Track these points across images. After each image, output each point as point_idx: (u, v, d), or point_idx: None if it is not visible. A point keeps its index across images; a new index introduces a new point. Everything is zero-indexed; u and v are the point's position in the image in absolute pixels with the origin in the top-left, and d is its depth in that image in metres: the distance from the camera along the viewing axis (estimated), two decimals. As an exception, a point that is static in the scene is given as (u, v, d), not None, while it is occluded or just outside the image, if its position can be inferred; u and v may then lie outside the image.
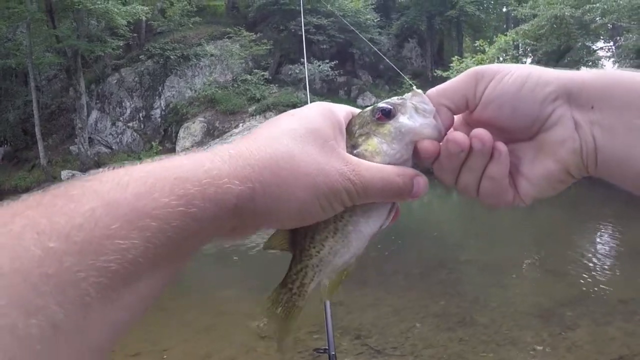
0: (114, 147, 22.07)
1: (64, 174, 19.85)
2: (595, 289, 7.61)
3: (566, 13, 21.55)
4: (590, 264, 8.81)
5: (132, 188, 0.44)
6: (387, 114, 0.66)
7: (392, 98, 0.68)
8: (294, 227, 0.64)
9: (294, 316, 0.72)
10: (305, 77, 18.43)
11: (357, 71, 27.28)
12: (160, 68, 22.74)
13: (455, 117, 0.69)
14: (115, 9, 20.78)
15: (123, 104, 22.68)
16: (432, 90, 0.68)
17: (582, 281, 7.90)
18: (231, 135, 19.46)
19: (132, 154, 21.12)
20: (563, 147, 0.63)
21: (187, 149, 19.88)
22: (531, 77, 0.63)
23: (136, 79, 22.84)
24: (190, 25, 23.40)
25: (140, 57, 22.97)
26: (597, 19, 21.87)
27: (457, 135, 0.64)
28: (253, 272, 9.34)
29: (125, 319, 0.43)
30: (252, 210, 0.54)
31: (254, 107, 21.30)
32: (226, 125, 20.79)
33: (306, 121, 0.62)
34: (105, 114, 22.75)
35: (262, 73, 22.95)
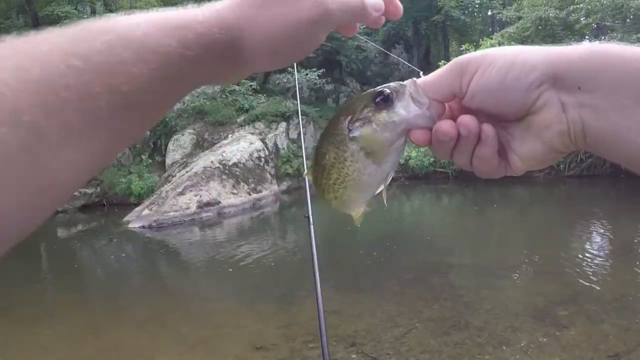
0: (103, 162, 22.05)
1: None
2: (588, 287, 7.65)
3: (550, 14, 21.72)
4: (583, 263, 8.85)
5: (143, 28, 0.51)
6: (386, 100, 0.68)
7: (393, 83, 0.70)
8: (285, 61, 0.65)
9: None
10: (294, 85, 18.47)
11: (344, 79, 27.36)
12: (148, 81, 22.75)
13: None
14: (102, 23, 20.76)
15: (111, 118, 22.69)
16: (420, 84, 0.69)
17: (575, 280, 7.94)
18: (220, 147, 19.42)
19: (122, 168, 21.02)
20: (549, 130, 0.64)
21: (177, 161, 19.90)
22: (515, 66, 0.64)
23: (124, 92, 22.84)
24: (177, 38, 23.49)
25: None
26: (582, 19, 22.07)
27: (443, 126, 0.67)
28: (247, 283, 9.33)
29: (98, 159, 0.50)
30: (242, 49, 0.59)
31: (242, 118, 21.29)
32: (215, 137, 20.77)
33: None
34: (93, 129, 22.76)
35: (250, 83, 22.96)
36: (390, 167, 0.72)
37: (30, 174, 0.42)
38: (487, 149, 0.68)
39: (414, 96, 0.68)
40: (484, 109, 0.67)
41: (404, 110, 0.68)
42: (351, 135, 0.69)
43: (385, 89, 0.69)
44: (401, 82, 0.70)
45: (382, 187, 0.74)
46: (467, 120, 0.67)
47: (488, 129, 0.67)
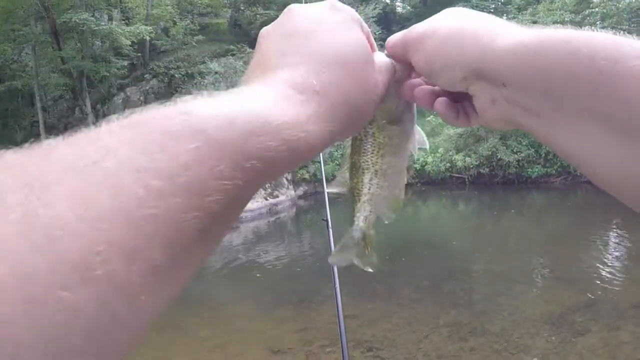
0: (121, 167, 22.17)
1: (73, 194, 19.95)
2: (605, 294, 7.62)
3: (566, 19, 21.59)
4: (599, 270, 8.81)
5: (239, 127, 0.41)
6: None
7: None
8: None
9: (371, 242, 0.83)
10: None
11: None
12: (165, 87, 22.81)
13: None
14: (119, 30, 20.94)
15: (129, 123, 22.76)
16: (387, 44, 0.71)
17: (592, 287, 7.91)
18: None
19: (140, 173, 21.19)
20: (486, 114, 0.63)
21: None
22: (438, 58, 0.63)
23: (141, 98, 22.91)
24: (194, 44, 23.53)
25: (145, 76, 23.07)
26: (597, 23, 21.92)
27: (404, 89, 0.71)
28: (264, 288, 9.38)
29: (175, 293, 0.39)
30: (337, 140, 0.59)
31: (259, 123, 21.41)
32: (232, 142, 20.92)
33: (357, 35, 0.61)
34: (111, 134, 22.86)
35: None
36: (410, 124, 0.78)
37: (101, 336, 0.31)
38: (443, 115, 0.69)
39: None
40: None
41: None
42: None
43: None
44: None
45: (415, 148, 0.80)
46: (418, 94, 0.69)
47: (438, 105, 0.68)
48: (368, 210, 0.82)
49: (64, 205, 0.30)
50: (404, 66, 0.71)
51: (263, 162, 0.41)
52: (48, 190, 0.30)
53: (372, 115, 0.68)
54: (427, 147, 0.81)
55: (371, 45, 0.66)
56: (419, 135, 0.80)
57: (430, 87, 0.70)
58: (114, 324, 0.31)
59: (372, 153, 0.77)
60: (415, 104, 0.76)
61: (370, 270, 0.82)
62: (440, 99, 0.68)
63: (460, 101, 0.69)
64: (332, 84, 0.54)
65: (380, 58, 0.68)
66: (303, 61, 0.54)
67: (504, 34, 0.58)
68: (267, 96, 0.48)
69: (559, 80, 0.52)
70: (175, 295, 0.39)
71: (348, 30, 0.60)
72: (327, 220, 3.11)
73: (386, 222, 0.83)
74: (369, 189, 0.80)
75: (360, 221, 0.82)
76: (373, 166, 0.78)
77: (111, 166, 0.33)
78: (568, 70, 0.51)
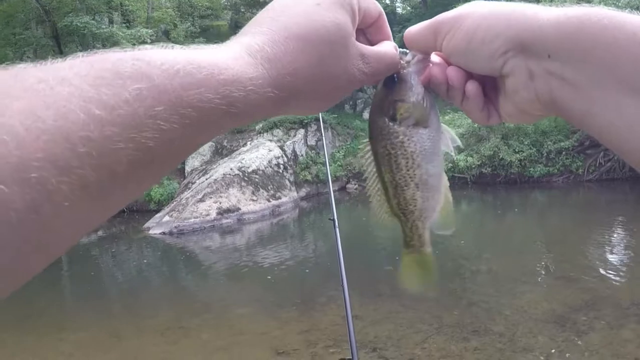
0: (123, 169, 22.21)
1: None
2: (608, 292, 7.62)
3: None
4: (602, 268, 8.82)
5: (181, 78, 0.46)
6: (392, 81, 0.74)
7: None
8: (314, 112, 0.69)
9: (429, 261, 0.82)
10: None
11: (361, 85, 27.36)
12: (167, 89, 22.84)
13: None
14: (120, 33, 21.01)
15: (131, 125, 22.78)
16: (407, 35, 0.73)
17: (595, 285, 7.92)
18: (239, 154, 19.53)
19: (142, 176, 21.24)
20: (518, 95, 0.64)
21: (197, 168, 20.03)
22: (478, 32, 0.63)
23: (143, 100, 22.92)
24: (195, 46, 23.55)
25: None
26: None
27: (435, 71, 0.71)
28: (267, 289, 9.39)
29: (106, 215, 0.45)
30: (282, 110, 0.60)
31: (261, 125, 21.37)
32: (234, 144, 20.89)
33: (331, 16, 0.62)
34: (113, 136, 22.89)
35: (268, 90, 23.01)
36: (437, 123, 0.75)
37: (33, 235, 0.37)
38: (471, 104, 0.70)
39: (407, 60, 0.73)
40: (463, 67, 0.69)
41: (406, 69, 0.73)
42: (392, 113, 0.74)
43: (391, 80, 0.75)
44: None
45: (449, 147, 0.78)
46: (452, 73, 0.69)
47: (471, 86, 0.69)
48: (422, 228, 0.79)
49: (16, 117, 0.36)
50: (424, 56, 0.73)
51: (199, 112, 0.46)
52: (7, 103, 0.36)
53: (336, 99, 0.67)
54: (460, 143, 0.79)
55: (383, 33, 0.71)
56: (448, 132, 0.77)
57: (461, 68, 0.70)
58: (38, 222, 0.37)
59: (407, 166, 0.74)
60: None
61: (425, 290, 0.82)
62: (472, 80, 0.69)
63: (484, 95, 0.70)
64: (286, 55, 0.57)
65: (379, 48, 0.69)
66: (266, 31, 0.58)
67: (544, 9, 0.60)
68: (219, 54, 0.52)
69: (603, 51, 0.54)
70: (104, 218, 0.45)
71: (326, 11, 0.62)
72: (333, 220, 3.10)
73: (448, 234, 0.81)
74: (415, 205, 0.76)
75: (416, 241, 0.80)
76: (412, 180, 0.74)
77: (63, 92, 0.39)
78: (612, 42, 0.53)
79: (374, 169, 0.77)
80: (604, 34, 0.54)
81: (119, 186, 0.42)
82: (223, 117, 0.50)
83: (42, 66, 0.41)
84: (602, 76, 0.54)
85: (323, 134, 4.68)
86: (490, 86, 0.70)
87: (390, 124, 0.74)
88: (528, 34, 0.60)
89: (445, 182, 0.79)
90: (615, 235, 11.60)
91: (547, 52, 0.58)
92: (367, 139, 0.78)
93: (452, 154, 0.78)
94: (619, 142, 0.56)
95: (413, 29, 0.72)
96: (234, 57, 0.53)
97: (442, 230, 0.80)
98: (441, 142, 0.76)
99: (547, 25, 0.58)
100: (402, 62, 0.73)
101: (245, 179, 17.83)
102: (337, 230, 3.02)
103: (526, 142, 18.86)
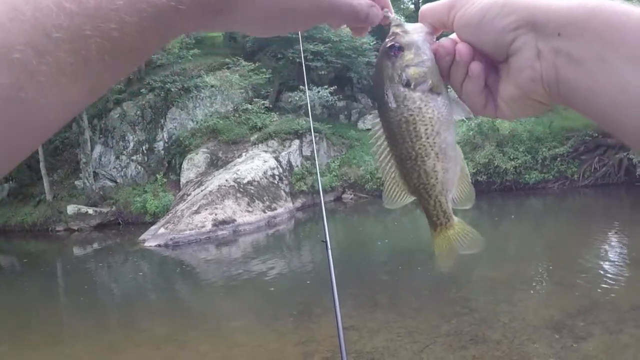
0: (118, 181, 22.11)
1: (70, 208, 19.96)
2: (605, 297, 7.62)
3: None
4: (599, 273, 8.82)
5: None
6: (397, 48, 0.73)
7: (394, 30, 0.75)
8: (273, 32, 0.68)
9: (463, 229, 0.78)
10: (306, 103, 18.52)
11: (356, 95, 27.34)
12: (162, 101, 22.83)
13: None
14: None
15: (126, 137, 22.73)
16: (422, 9, 0.75)
17: (592, 291, 7.91)
18: (234, 165, 19.52)
19: (137, 187, 21.18)
20: (522, 75, 0.65)
21: (192, 180, 20.02)
22: (494, 7, 0.65)
23: (138, 112, 22.92)
24: (190, 57, 23.53)
25: (141, 90, 23.05)
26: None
27: (445, 42, 0.72)
28: (264, 301, 9.36)
29: (84, 99, 0.50)
30: (235, 11, 0.60)
31: (255, 136, 21.37)
32: (229, 155, 20.87)
33: None
34: (109, 148, 22.82)
35: (263, 102, 23.01)
36: (447, 91, 0.75)
37: (21, 111, 0.44)
38: (472, 85, 0.71)
39: (411, 29, 0.74)
40: (471, 44, 0.70)
41: (414, 36, 0.74)
42: (405, 78, 0.72)
43: (388, 43, 0.74)
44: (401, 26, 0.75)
45: (462, 115, 0.77)
46: (461, 47, 0.70)
47: (475, 65, 0.69)
48: (445, 203, 0.76)
49: (2, 11, 0.43)
50: (432, 29, 0.74)
51: (154, 7, 0.51)
52: None
53: (281, 23, 0.65)
54: (471, 114, 0.77)
55: None
56: (459, 102, 0.76)
57: (470, 46, 0.70)
58: (25, 102, 0.44)
59: (427, 134, 0.72)
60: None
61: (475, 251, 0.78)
62: (477, 61, 0.70)
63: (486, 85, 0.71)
64: None
65: None
66: None
67: None
68: None
69: (613, 32, 0.57)
70: (84, 101, 0.51)
71: None
72: (326, 242, 3.03)
73: (467, 208, 0.78)
74: (436, 178, 0.74)
75: (442, 218, 0.77)
76: (432, 148, 0.73)
77: None
78: (621, 26, 0.56)
79: (387, 147, 0.76)
80: (614, 18, 0.57)
81: (91, 70, 0.48)
82: (174, 14, 0.53)
83: None
84: (609, 53, 0.56)
85: (315, 149, 4.66)
86: (491, 75, 0.71)
87: (405, 90, 0.73)
88: (542, 14, 0.61)
89: (460, 153, 0.78)
90: (611, 241, 11.61)
91: (558, 31, 0.60)
92: (376, 116, 0.77)
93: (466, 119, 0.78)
94: (621, 122, 0.58)
95: (427, 5, 0.74)
96: None
97: (463, 205, 0.78)
98: (453, 112, 0.75)
99: (560, 7, 0.60)
100: (388, 21, 0.73)
101: (241, 190, 17.80)
102: (330, 252, 2.96)
103: (521, 149, 18.91)
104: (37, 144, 0.49)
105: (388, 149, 0.76)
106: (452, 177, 0.76)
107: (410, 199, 0.77)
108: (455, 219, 0.77)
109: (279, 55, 24.53)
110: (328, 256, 2.91)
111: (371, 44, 24.80)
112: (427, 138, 0.72)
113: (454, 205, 0.77)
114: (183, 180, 20.76)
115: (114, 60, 0.50)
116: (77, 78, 0.47)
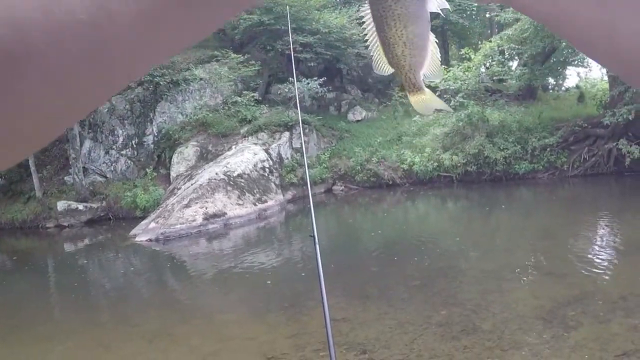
0: (108, 176, 22.02)
1: (60, 204, 19.84)
2: (595, 286, 7.67)
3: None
4: (589, 263, 8.87)
5: None
6: None
7: None
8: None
9: (429, 96, 0.89)
10: (295, 95, 18.51)
11: (345, 86, 27.36)
12: (151, 94, 22.74)
13: None
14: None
15: (115, 132, 22.63)
16: None
17: (582, 280, 7.96)
18: (224, 158, 19.47)
19: (127, 182, 21.11)
20: None
21: (182, 174, 19.97)
22: None
23: (127, 106, 22.83)
24: (178, 51, 23.49)
25: (129, 84, 23.01)
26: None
27: None
28: (255, 294, 9.36)
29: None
30: None
31: (245, 129, 21.33)
32: (219, 148, 20.81)
33: None
34: (98, 143, 22.70)
35: (252, 94, 22.97)
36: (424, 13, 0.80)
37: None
38: None
39: None
40: None
41: None
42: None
43: None
44: None
45: (436, 8, 0.81)
46: None
47: None
48: (413, 78, 0.87)
49: None
50: None
51: None
52: None
53: None
54: (448, 6, 0.83)
55: None
56: None
57: None
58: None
59: (396, 26, 0.80)
60: None
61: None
62: None
63: None
64: None
65: None
66: None
67: None
68: None
69: None
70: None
71: None
72: (314, 237, 3.03)
73: (437, 81, 0.88)
74: (405, 61, 0.84)
75: (411, 87, 0.87)
76: (400, 38, 0.81)
77: None
78: None
79: (373, 28, 0.84)
80: None
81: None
82: None
83: None
84: None
85: (303, 145, 4.66)
86: None
87: None
88: None
89: (432, 39, 0.85)
90: (601, 230, 11.69)
91: None
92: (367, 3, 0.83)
93: (442, 14, 0.87)
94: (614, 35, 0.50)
95: None
96: None
97: (431, 79, 0.89)
98: (426, 7, 0.81)
99: None
100: None
101: (231, 183, 17.76)
102: (317, 247, 2.96)
103: (511, 140, 18.98)
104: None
105: (374, 30, 0.84)
106: (421, 61, 0.85)
107: (391, 70, 0.87)
108: (427, 90, 0.89)
109: (268, 47, 24.50)
110: (316, 250, 2.92)
111: (361, 35, 24.77)
112: (397, 30, 0.80)
113: (424, 78, 0.88)
114: (173, 174, 20.70)
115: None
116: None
